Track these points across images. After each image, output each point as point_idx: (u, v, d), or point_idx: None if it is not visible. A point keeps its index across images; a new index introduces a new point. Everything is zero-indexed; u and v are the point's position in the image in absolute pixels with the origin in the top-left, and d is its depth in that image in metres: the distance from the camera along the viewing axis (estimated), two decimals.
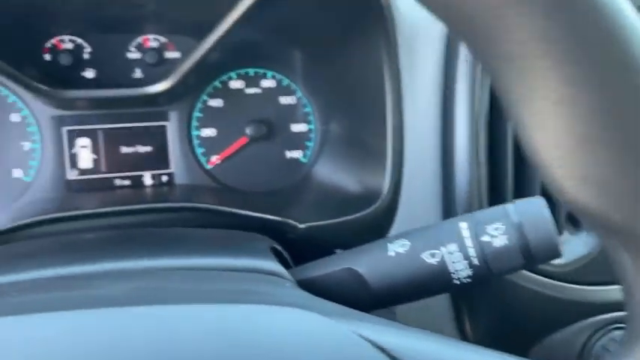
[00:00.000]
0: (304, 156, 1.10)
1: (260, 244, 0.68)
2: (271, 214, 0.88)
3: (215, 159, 1.07)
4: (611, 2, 0.28)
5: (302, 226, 0.83)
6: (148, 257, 0.56)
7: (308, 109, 1.10)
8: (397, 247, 0.59)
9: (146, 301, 0.40)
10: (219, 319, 0.38)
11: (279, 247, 0.69)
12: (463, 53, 0.80)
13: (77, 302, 0.41)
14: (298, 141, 1.10)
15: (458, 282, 0.58)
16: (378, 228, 0.85)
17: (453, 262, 0.57)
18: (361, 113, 0.92)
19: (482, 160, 0.82)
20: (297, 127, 1.10)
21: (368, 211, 0.84)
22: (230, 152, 1.07)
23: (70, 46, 0.99)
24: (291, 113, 1.10)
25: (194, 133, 1.06)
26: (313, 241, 0.85)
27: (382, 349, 0.37)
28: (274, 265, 0.59)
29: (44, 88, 0.87)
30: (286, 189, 1.09)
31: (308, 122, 1.10)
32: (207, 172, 1.06)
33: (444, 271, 0.57)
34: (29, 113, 0.97)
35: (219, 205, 0.91)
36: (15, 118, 0.97)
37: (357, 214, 0.84)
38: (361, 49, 0.86)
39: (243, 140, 1.07)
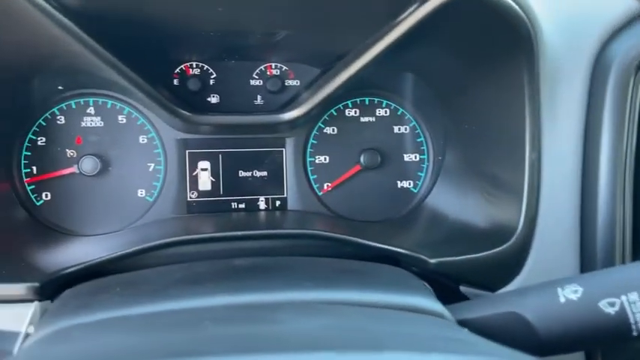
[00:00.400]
0: (414, 186, 1.09)
1: (412, 280, 0.66)
2: (389, 245, 0.87)
3: (327, 186, 1.07)
4: None
5: (433, 261, 0.81)
6: (310, 289, 0.56)
7: (421, 139, 1.09)
8: (569, 293, 0.56)
9: (350, 344, 0.40)
10: None
11: (427, 284, 0.67)
12: (611, 85, 0.76)
13: (279, 341, 0.40)
14: (410, 171, 1.09)
15: (637, 333, 0.54)
16: (510, 266, 0.82)
17: (635, 313, 0.54)
18: (490, 145, 0.89)
19: (627, 199, 0.78)
20: (410, 157, 1.09)
21: (501, 248, 0.81)
22: (342, 180, 1.07)
23: (197, 71, 1.02)
24: (404, 143, 1.09)
25: (309, 159, 1.06)
26: (439, 276, 0.83)
27: None
28: (436, 305, 0.58)
29: (175, 110, 0.90)
30: (397, 219, 1.08)
31: (421, 152, 1.09)
32: (319, 198, 1.06)
33: (624, 321, 0.54)
34: (156, 135, 1.00)
35: (338, 234, 0.90)
36: (142, 139, 1.00)
37: (489, 252, 0.81)
38: (498, 81, 0.84)
39: (356, 168, 1.07)
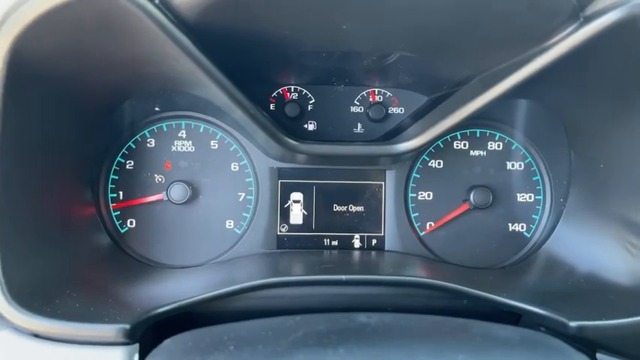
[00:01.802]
0: (528, 230, 0.97)
1: (576, 355, 0.54)
2: (514, 300, 0.75)
3: (430, 226, 0.96)
4: None
5: (573, 324, 0.68)
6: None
7: (537, 177, 0.97)
8: None
9: None
10: None
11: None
12: None
13: None
14: (524, 212, 0.97)
15: None
16: None
17: None
18: (633, 191, 0.76)
19: None
20: (524, 197, 0.97)
21: None
22: (448, 219, 0.96)
23: (295, 96, 0.95)
24: (518, 180, 0.97)
25: (410, 195, 0.96)
26: (575, 340, 0.70)
27: None
28: None
29: (276, 135, 0.82)
30: (507, 267, 0.96)
31: (536, 192, 0.97)
32: (420, 239, 0.96)
33: None
34: (248, 163, 0.93)
35: (446, 282, 0.79)
36: (234, 167, 0.93)
37: (637, 318, 0.68)
38: None
39: (464, 207, 0.96)
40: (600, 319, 0.69)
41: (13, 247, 0.64)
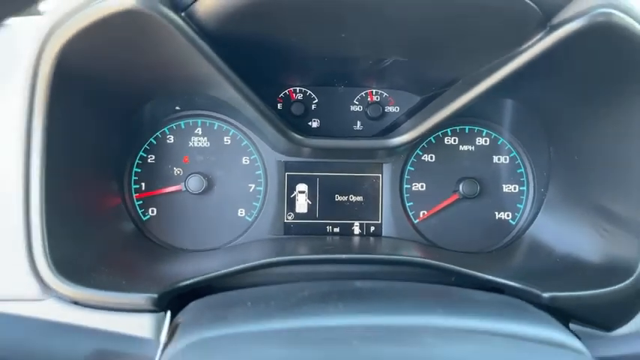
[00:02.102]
0: (513, 218, 1.06)
1: (539, 313, 0.64)
2: (494, 276, 0.84)
3: (423, 214, 1.06)
4: None
5: (546, 295, 0.77)
6: (443, 315, 0.55)
7: (521, 170, 1.06)
8: None
9: None
10: None
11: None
12: None
13: None
14: (509, 202, 1.06)
15: None
16: (628, 305, 0.78)
17: None
18: (605, 180, 0.86)
19: None
20: (509, 188, 1.06)
21: (619, 286, 0.77)
22: (439, 208, 1.05)
23: (300, 96, 1.04)
24: (504, 173, 1.06)
25: (405, 186, 1.06)
26: (550, 311, 0.79)
27: None
28: (573, 340, 0.55)
29: (283, 130, 0.91)
30: (494, 251, 1.05)
31: (520, 183, 1.06)
32: (414, 226, 1.05)
33: None
34: (258, 157, 1.03)
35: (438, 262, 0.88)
36: (245, 161, 1.03)
37: (607, 289, 0.77)
38: (618, 114, 0.81)
39: (454, 197, 1.05)
40: (571, 291, 0.79)
41: (56, 231, 0.74)
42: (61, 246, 0.75)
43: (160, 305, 0.74)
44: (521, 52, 0.73)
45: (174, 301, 0.76)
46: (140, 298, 0.73)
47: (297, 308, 0.54)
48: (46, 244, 0.73)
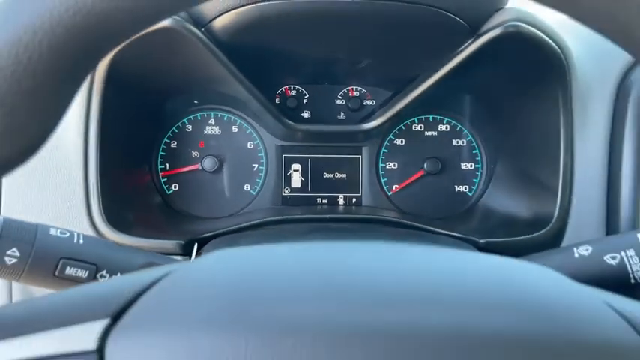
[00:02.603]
0: (470, 190, 1.29)
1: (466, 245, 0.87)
2: (447, 231, 1.08)
3: (396, 187, 1.29)
4: None
5: (482, 241, 1.01)
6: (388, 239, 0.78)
7: (476, 151, 1.30)
8: (582, 251, 0.76)
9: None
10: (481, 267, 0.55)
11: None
12: (631, 103, 0.95)
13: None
14: (466, 177, 1.29)
15: (633, 281, 0.72)
16: (547, 247, 1.00)
17: (631, 264, 0.72)
18: (533, 154, 1.09)
19: None
20: (466, 166, 1.30)
21: (539, 233, 1.00)
22: (408, 183, 1.29)
23: (294, 92, 1.28)
24: (462, 154, 1.30)
25: (380, 165, 1.29)
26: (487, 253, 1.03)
27: (627, 319, 0.38)
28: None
29: (280, 118, 1.15)
30: (454, 217, 1.28)
31: (475, 162, 1.30)
32: (388, 198, 1.29)
33: (623, 270, 0.72)
34: (260, 142, 1.27)
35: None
36: (250, 145, 1.27)
37: (530, 235, 1.00)
38: (538, 102, 1.04)
39: (420, 173, 1.28)
40: (502, 238, 1.02)
41: (106, 197, 0.98)
42: (111, 207, 0.99)
43: (185, 251, 0.98)
44: (457, 54, 0.97)
45: (198, 249, 1.00)
46: (170, 244, 0.97)
47: (300, 236, 0.78)
48: (101, 205, 0.97)
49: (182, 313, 0.37)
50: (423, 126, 1.30)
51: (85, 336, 0.37)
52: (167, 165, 1.25)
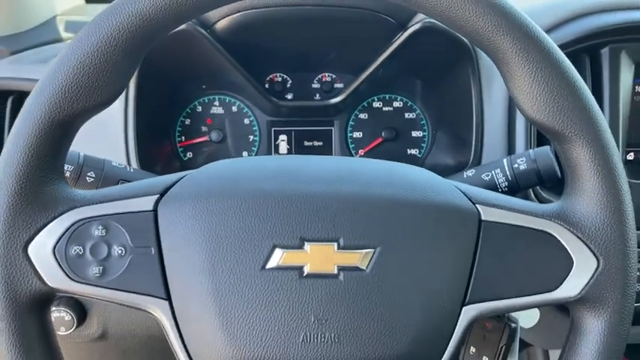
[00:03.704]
0: (419, 152, 1.65)
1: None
2: None
3: (361, 152, 1.65)
4: None
5: None
6: None
7: (423, 122, 1.65)
8: (469, 173, 1.11)
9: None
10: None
11: None
12: None
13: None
14: (416, 142, 1.65)
15: (501, 190, 1.08)
16: None
17: (498, 179, 1.08)
18: (458, 121, 1.45)
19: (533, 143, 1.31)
20: (416, 134, 1.65)
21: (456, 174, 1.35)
22: (370, 147, 1.65)
23: (279, 79, 1.64)
24: (412, 124, 1.65)
25: (348, 134, 1.65)
26: None
27: (464, 193, 0.73)
28: None
29: (270, 98, 1.51)
30: None
31: (423, 130, 1.65)
32: None
33: (493, 183, 1.08)
34: (254, 119, 1.63)
35: None
36: (246, 121, 1.63)
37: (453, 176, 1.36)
38: (457, 80, 1.40)
39: (379, 140, 1.64)
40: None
41: (141, 163, 1.35)
42: (144, 169, 1.36)
43: None
44: (391, 45, 1.34)
45: None
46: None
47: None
48: (138, 164, 1.34)
49: (203, 189, 0.74)
50: (381, 103, 1.65)
51: (145, 203, 0.74)
52: (183, 137, 1.61)
